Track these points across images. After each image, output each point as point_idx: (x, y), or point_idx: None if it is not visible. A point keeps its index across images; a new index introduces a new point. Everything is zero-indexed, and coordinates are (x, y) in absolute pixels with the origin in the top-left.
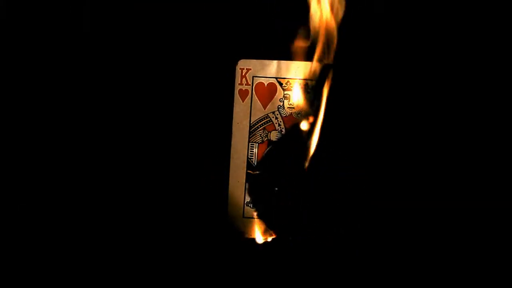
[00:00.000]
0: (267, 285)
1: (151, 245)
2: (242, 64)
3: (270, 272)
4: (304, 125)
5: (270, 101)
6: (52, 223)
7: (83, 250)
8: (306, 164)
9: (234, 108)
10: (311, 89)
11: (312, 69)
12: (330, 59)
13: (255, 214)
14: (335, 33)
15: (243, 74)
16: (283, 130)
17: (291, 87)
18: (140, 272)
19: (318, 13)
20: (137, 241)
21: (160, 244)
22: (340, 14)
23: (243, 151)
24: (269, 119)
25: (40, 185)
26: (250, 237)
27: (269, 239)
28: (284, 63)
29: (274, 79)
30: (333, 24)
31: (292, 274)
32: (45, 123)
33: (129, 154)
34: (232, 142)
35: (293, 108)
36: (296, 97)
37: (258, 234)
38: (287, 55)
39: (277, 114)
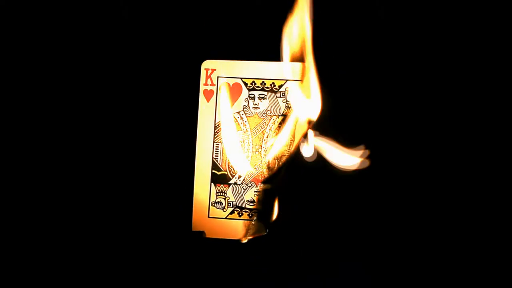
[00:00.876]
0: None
1: (115, 245)
2: (207, 64)
3: (237, 271)
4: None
5: (235, 101)
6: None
7: (49, 250)
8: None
9: (199, 108)
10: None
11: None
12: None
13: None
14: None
15: (208, 74)
16: (248, 130)
17: (256, 87)
18: (104, 273)
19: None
20: (100, 242)
21: (124, 244)
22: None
23: (208, 151)
24: (234, 119)
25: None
26: (217, 237)
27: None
28: (249, 63)
29: (239, 79)
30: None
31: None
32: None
33: (93, 154)
34: (197, 142)
35: (258, 108)
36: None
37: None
38: (252, 56)
39: (242, 114)
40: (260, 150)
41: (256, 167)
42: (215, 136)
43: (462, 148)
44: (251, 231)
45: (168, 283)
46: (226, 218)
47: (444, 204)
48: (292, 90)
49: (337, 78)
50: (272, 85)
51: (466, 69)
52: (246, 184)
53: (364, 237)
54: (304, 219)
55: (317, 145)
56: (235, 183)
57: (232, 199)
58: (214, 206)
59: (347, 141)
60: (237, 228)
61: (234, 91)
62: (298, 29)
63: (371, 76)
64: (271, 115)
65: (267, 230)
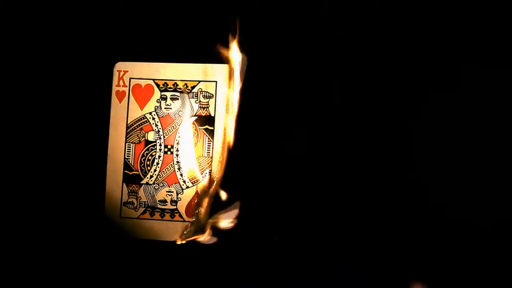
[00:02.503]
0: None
1: (26, 245)
2: (119, 66)
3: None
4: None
5: (147, 102)
6: None
7: None
8: None
9: (111, 109)
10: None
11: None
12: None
13: None
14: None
15: (120, 76)
16: (160, 130)
17: (168, 88)
18: (14, 273)
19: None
20: (11, 241)
21: (36, 244)
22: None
23: (120, 151)
24: (146, 119)
25: None
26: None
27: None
28: (161, 65)
29: (151, 80)
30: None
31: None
32: None
33: (5, 154)
34: (109, 143)
35: (170, 108)
36: None
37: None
38: (164, 57)
39: (154, 115)
40: (172, 150)
41: (168, 167)
42: (127, 137)
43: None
44: (188, 234)
45: (77, 280)
46: (138, 218)
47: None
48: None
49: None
50: (185, 86)
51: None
52: (158, 184)
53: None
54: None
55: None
56: (147, 183)
57: (144, 199)
58: (126, 206)
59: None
60: (149, 228)
61: (146, 92)
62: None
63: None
64: (183, 116)
65: (204, 233)
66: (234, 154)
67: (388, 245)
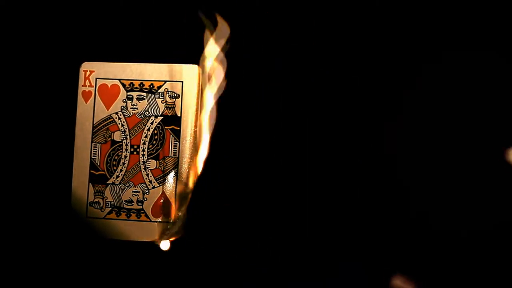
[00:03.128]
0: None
1: None
2: (86, 66)
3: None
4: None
5: (113, 102)
6: None
7: None
8: None
9: (77, 109)
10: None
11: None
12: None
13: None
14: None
15: (87, 76)
16: (126, 130)
17: (135, 88)
18: None
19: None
20: None
21: (0, 244)
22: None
23: (86, 151)
24: (112, 119)
25: None
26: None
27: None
28: (127, 65)
29: (117, 80)
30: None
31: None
32: None
33: None
34: (75, 143)
35: (137, 108)
36: None
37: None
38: (131, 57)
39: (120, 115)
40: (138, 150)
41: (134, 167)
42: (94, 136)
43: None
44: (168, 234)
45: (43, 280)
46: (104, 218)
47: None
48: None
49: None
50: (151, 86)
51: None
52: (124, 184)
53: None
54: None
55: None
56: (113, 183)
57: (110, 199)
58: (92, 206)
59: None
60: (115, 228)
61: (112, 92)
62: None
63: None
64: (149, 116)
65: (183, 233)
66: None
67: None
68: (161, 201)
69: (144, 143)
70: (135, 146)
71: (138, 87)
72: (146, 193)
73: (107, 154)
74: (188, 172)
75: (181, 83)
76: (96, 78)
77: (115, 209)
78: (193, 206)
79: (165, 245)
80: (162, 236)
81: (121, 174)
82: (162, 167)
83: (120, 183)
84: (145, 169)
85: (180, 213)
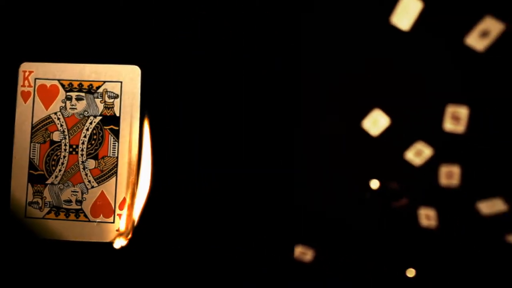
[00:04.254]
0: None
1: None
2: (25, 66)
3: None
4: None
5: (52, 102)
6: None
7: None
8: None
9: (16, 109)
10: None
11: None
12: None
13: None
14: None
15: (26, 76)
16: (65, 130)
17: (74, 88)
18: None
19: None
20: None
21: None
22: None
23: (25, 151)
24: (51, 119)
25: None
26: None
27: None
28: (66, 65)
29: (57, 81)
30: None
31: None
32: None
33: None
34: (14, 143)
35: (76, 109)
36: None
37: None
38: (70, 58)
39: (59, 115)
40: (77, 150)
41: (73, 167)
42: (33, 137)
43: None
44: (121, 235)
45: None
46: (43, 218)
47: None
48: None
49: None
50: (90, 86)
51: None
52: (63, 184)
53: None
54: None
55: None
56: (52, 183)
57: (49, 199)
58: (31, 206)
59: None
60: (54, 228)
61: (51, 93)
62: None
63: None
64: (88, 116)
65: (130, 235)
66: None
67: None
68: (99, 202)
69: (83, 143)
70: (74, 146)
71: (77, 87)
72: (85, 193)
73: (46, 154)
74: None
75: (120, 83)
76: (35, 78)
77: (54, 209)
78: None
79: (118, 243)
80: (117, 237)
81: (60, 174)
82: (101, 167)
83: (59, 183)
84: (84, 169)
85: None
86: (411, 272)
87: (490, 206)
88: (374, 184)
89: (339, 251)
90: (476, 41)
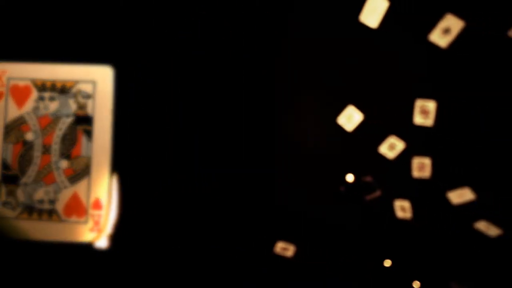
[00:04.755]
0: None
1: None
2: None
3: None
4: None
5: (25, 102)
6: None
7: None
8: None
9: None
10: None
11: None
12: None
13: None
14: None
15: None
16: (38, 130)
17: (47, 88)
18: None
19: None
20: None
21: None
22: None
23: None
24: (24, 119)
25: None
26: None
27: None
28: (39, 65)
29: (30, 81)
30: None
31: None
32: None
33: None
34: None
35: (48, 108)
36: None
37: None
38: (43, 58)
39: (32, 115)
40: (50, 150)
41: (46, 167)
42: (6, 137)
43: None
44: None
45: None
46: (16, 218)
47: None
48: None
49: None
50: (63, 86)
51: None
52: (36, 184)
53: None
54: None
55: None
56: (25, 183)
57: (22, 199)
58: (4, 206)
59: None
60: (27, 228)
61: (24, 93)
62: None
63: None
64: (61, 116)
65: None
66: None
67: None
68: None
69: (56, 143)
70: (47, 146)
71: (50, 87)
72: (58, 192)
73: (19, 154)
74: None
75: (93, 83)
76: (9, 78)
77: (27, 209)
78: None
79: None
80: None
81: (33, 174)
82: (74, 167)
83: (32, 183)
84: (57, 169)
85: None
86: (387, 263)
87: (460, 196)
88: (350, 178)
89: (320, 247)
90: (439, 37)
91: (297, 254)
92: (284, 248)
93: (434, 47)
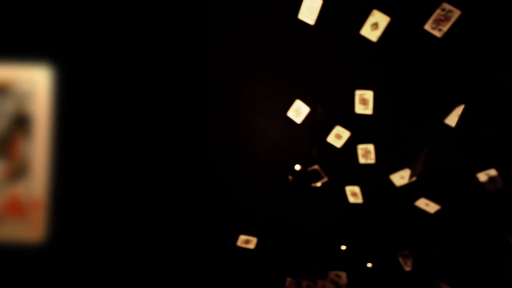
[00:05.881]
0: None
1: None
2: None
3: None
4: None
5: None
6: None
7: None
8: None
9: None
10: None
11: None
12: None
13: None
14: None
15: None
16: None
17: None
18: None
19: None
20: None
21: None
22: None
23: None
24: None
25: None
26: None
27: None
28: None
29: None
30: None
31: None
32: None
33: None
34: None
35: None
36: None
37: None
38: None
39: None
40: None
41: None
42: None
43: None
44: None
45: None
46: None
47: None
48: None
49: None
50: (1, 86)
51: None
52: None
53: None
54: None
55: None
56: None
57: None
58: None
59: None
60: None
61: None
62: None
63: None
64: None
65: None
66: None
67: None
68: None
69: None
70: None
71: None
72: None
73: None
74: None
75: (32, 83)
76: None
77: None
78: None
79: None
80: None
81: None
82: (13, 166)
83: None
84: None
85: None
86: (343, 247)
87: (401, 177)
88: (297, 167)
89: (278, 238)
90: (368, 32)
91: (258, 246)
92: (247, 241)
93: (367, 41)
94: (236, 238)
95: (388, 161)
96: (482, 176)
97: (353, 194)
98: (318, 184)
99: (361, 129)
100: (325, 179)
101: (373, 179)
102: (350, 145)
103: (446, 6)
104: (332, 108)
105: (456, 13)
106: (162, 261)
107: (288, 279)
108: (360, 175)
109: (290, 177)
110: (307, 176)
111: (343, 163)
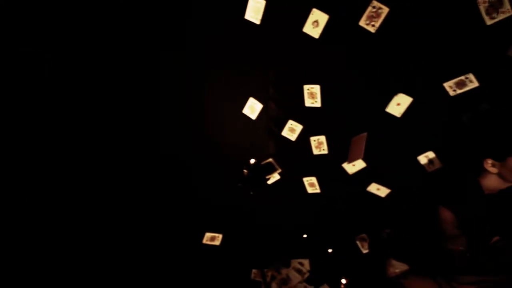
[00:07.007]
0: None
1: None
2: None
3: None
4: None
5: None
6: None
7: None
8: None
9: None
10: None
11: None
12: None
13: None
14: None
15: None
16: None
17: None
18: None
19: None
20: None
21: None
22: None
23: None
24: None
25: None
26: None
27: None
28: None
29: None
30: None
31: None
32: None
33: None
34: None
35: None
36: None
37: None
38: None
39: None
40: None
41: None
42: None
43: None
44: None
45: None
46: None
47: None
48: None
49: None
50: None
51: None
52: None
53: None
54: None
55: None
56: None
57: None
58: None
59: None
60: None
61: None
62: None
63: None
64: None
65: None
66: None
67: None
68: None
69: None
70: None
71: None
72: None
73: None
74: None
75: None
76: None
77: None
78: None
79: None
80: None
81: None
82: None
83: None
84: None
85: None
86: (304, 235)
87: (353, 165)
88: (252, 161)
89: (242, 232)
90: (310, 29)
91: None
92: (213, 237)
93: (309, 37)
94: (201, 234)
95: (339, 151)
96: (422, 159)
97: (311, 184)
98: (273, 176)
99: (312, 122)
100: (278, 171)
101: (328, 169)
102: (304, 138)
103: (376, 3)
104: (284, 103)
105: (385, 10)
106: (122, 258)
107: (254, 270)
108: (315, 165)
109: (246, 171)
110: (262, 169)
111: (299, 155)
